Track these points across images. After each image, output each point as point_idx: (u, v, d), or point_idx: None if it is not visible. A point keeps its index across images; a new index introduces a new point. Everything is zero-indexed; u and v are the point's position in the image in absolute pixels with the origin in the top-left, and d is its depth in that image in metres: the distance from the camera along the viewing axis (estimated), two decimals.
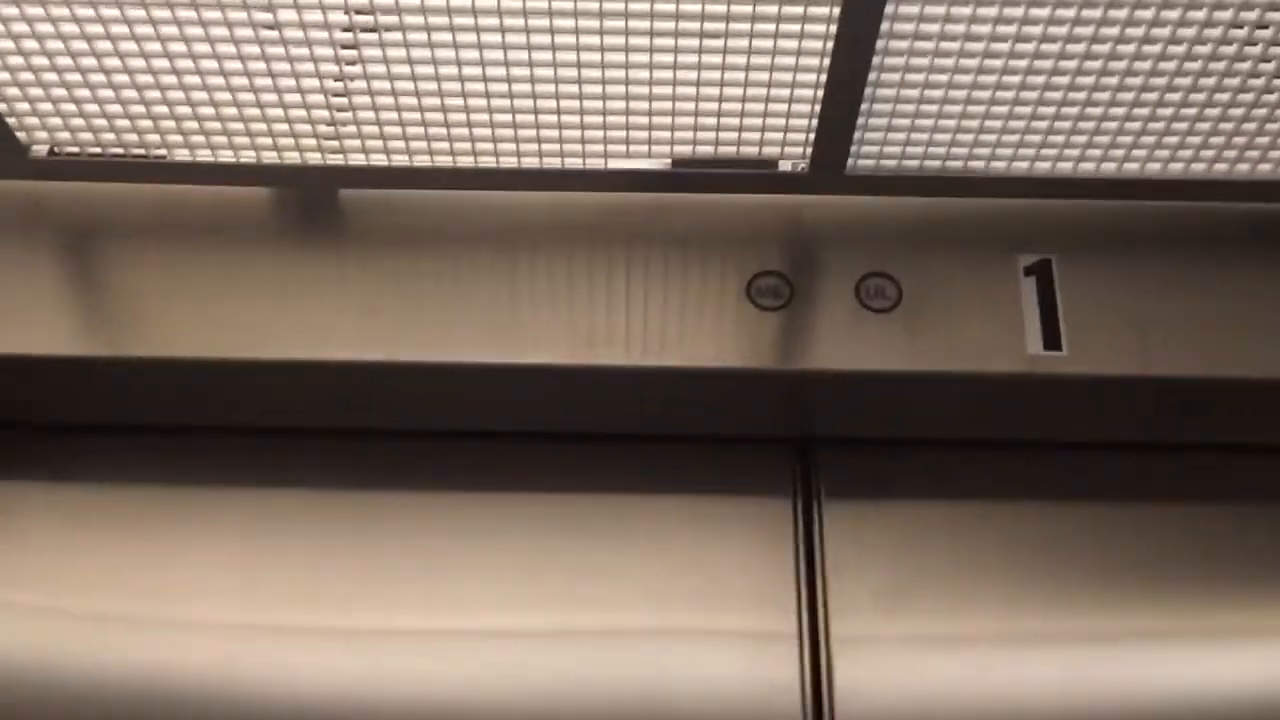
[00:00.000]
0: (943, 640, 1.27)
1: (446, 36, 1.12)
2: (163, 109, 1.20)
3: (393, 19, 1.12)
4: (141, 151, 1.25)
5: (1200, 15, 1.09)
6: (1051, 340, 1.23)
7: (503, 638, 1.27)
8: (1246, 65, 1.12)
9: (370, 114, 1.20)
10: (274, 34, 1.13)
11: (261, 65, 1.16)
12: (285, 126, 1.22)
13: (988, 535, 1.31)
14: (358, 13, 1.12)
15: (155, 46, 1.14)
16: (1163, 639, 1.28)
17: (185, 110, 1.20)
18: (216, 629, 1.27)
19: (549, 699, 1.24)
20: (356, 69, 1.16)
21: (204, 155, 1.25)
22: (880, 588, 1.29)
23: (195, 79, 1.17)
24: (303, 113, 1.20)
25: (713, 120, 1.20)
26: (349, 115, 1.20)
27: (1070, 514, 1.32)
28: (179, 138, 1.23)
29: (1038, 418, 1.30)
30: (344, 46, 1.15)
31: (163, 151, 1.25)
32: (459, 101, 1.19)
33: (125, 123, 1.22)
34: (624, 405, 1.30)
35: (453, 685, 1.25)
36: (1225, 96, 1.15)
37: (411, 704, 1.24)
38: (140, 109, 1.20)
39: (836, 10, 1.08)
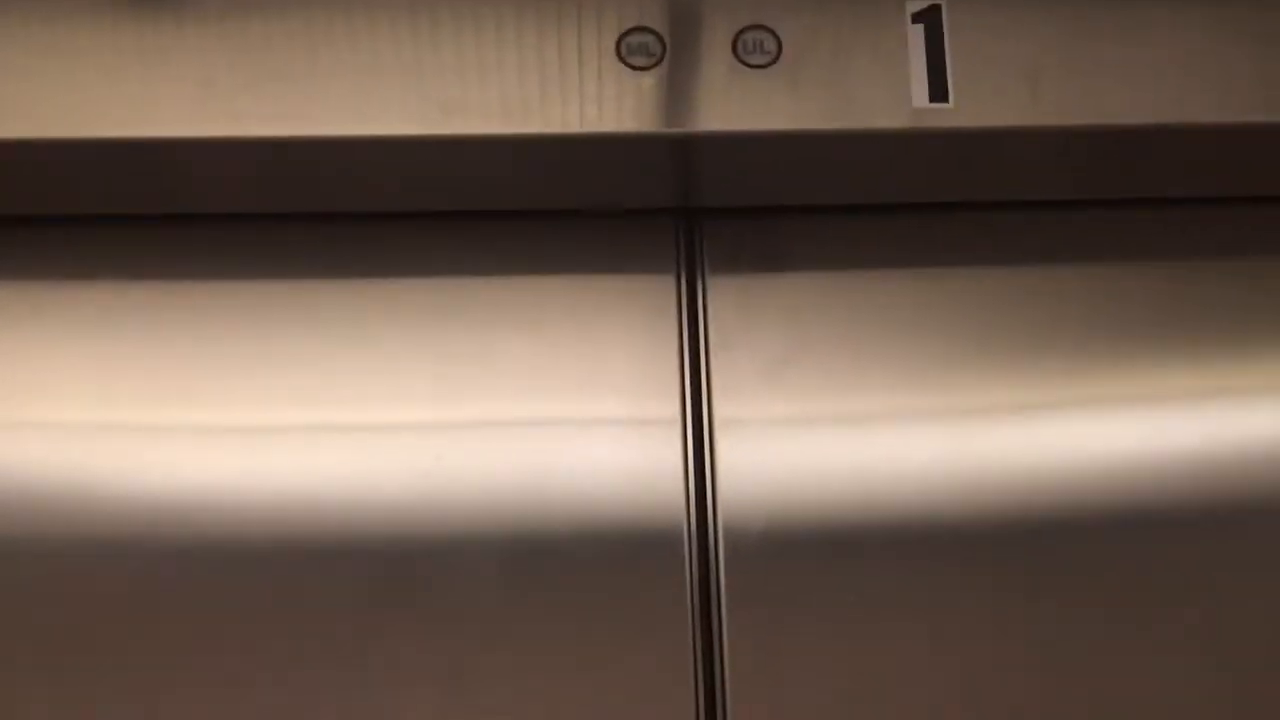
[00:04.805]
0: (830, 417, 1.23)
1: None
2: None
3: None
4: None
5: None
6: (938, 92, 1.16)
7: (373, 431, 1.22)
8: None
9: None
10: None
11: None
12: None
13: (879, 305, 1.26)
14: None
15: None
16: (1053, 408, 1.25)
17: None
18: (70, 428, 1.21)
19: (422, 493, 1.20)
20: None
21: None
22: (766, 366, 1.25)
23: None
24: None
25: None
26: None
27: (964, 279, 1.27)
28: None
29: (926, 176, 1.24)
30: None
31: None
32: None
33: None
34: (488, 179, 1.22)
35: (322, 480, 1.20)
36: None
37: (279, 501, 1.19)
38: None
39: None
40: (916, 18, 1.19)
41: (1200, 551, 1.22)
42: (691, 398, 1.24)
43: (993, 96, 1.17)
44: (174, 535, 1.18)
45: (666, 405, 1.24)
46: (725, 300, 1.27)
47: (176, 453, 1.21)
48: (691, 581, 1.19)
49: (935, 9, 1.19)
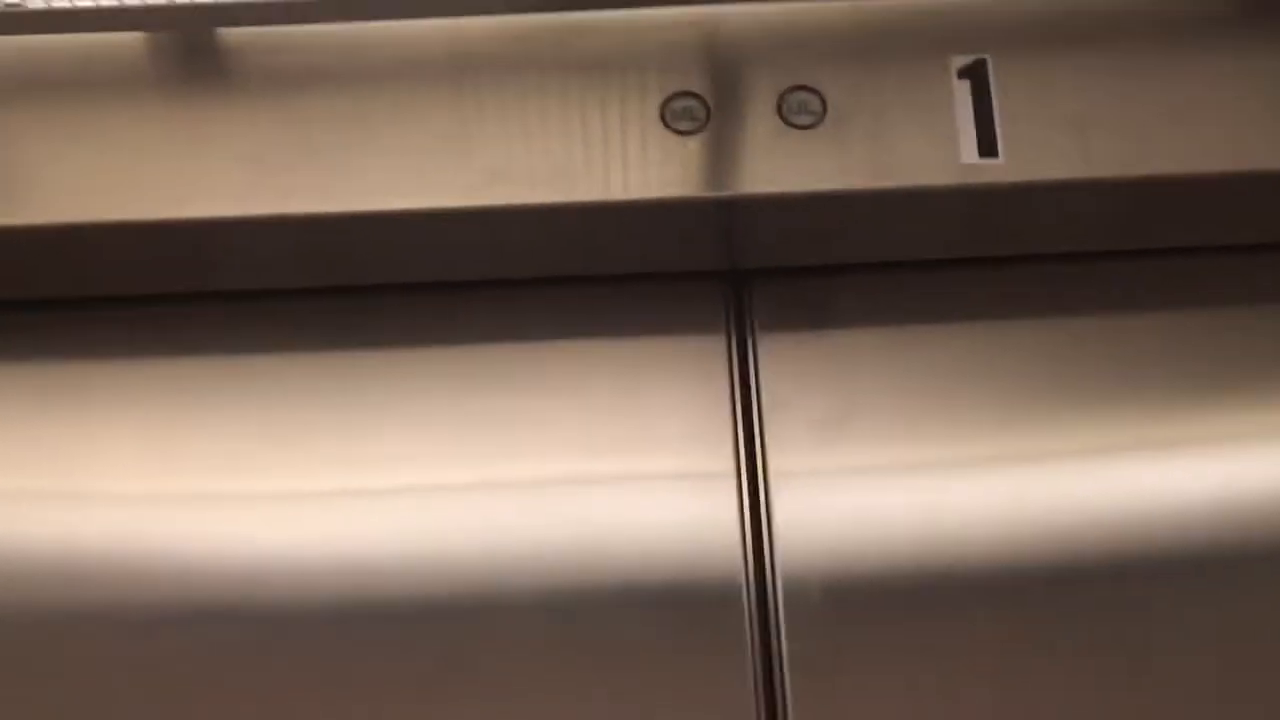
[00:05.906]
0: (885, 470, 1.22)
1: None
2: None
3: None
4: None
5: None
6: (987, 147, 1.15)
7: (425, 495, 1.22)
8: None
9: None
10: None
11: None
12: None
13: (929, 359, 1.25)
14: None
15: None
16: (1108, 455, 1.23)
17: None
18: (128, 500, 1.22)
19: (478, 556, 1.19)
20: None
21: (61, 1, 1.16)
22: (819, 420, 1.23)
23: None
24: None
25: None
26: None
27: (1013, 331, 1.26)
28: None
29: (977, 232, 1.23)
30: None
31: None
32: None
33: None
34: (536, 247, 1.22)
35: (375, 546, 1.20)
36: None
37: (332, 566, 1.19)
38: None
39: None
40: (962, 73, 1.18)
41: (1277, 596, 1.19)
42: (746, 454, 1.24)
43: (1042, 150, 1.16)
44: (229, 602, 1.18)
45: (721, 461, 1.23)
46: (776, 360, 1.26)
47: (229, 522, 1.21)
48: (752, 636, 1.18)
49: (981, 63, 1.18)
